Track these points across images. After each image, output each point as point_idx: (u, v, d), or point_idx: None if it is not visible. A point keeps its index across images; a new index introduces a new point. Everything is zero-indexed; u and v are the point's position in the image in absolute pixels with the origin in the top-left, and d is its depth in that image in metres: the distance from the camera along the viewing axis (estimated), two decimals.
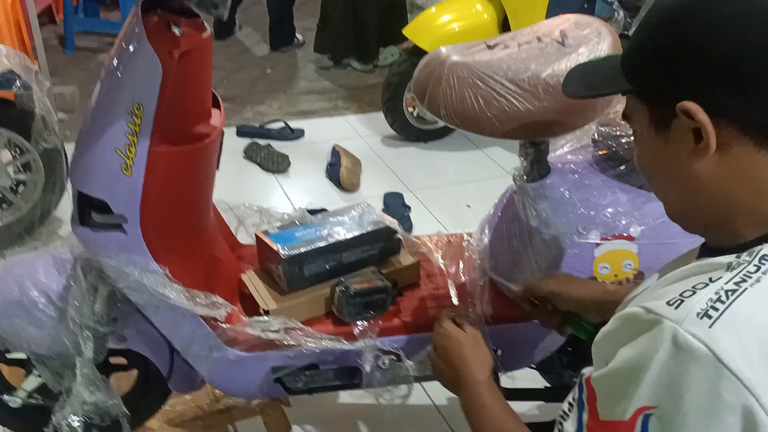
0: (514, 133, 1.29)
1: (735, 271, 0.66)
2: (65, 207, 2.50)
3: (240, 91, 3.98)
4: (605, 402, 0.69)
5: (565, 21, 1.36)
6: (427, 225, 2.68)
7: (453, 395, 1.11)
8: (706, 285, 0.66)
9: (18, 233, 2.41)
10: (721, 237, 0.74)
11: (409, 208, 2.82)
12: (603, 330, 0.74)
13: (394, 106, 3.26)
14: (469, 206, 2.83)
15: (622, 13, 2.76)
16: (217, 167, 1.41)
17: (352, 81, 4.20)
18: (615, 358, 0.69)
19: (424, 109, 1.36)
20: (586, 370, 0.75)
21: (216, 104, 1.40)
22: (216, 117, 1.38)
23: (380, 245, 1.52)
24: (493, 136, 1.29)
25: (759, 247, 0.69)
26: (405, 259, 1.56)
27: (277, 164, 3.12)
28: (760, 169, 0.69)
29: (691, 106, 0.69)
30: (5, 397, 1.54)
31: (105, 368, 1.48)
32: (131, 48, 1.18)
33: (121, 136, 1.19)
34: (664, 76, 0.72)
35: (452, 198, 2.94)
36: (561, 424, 0.77)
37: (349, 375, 1.45)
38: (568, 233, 1.34)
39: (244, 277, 1.52)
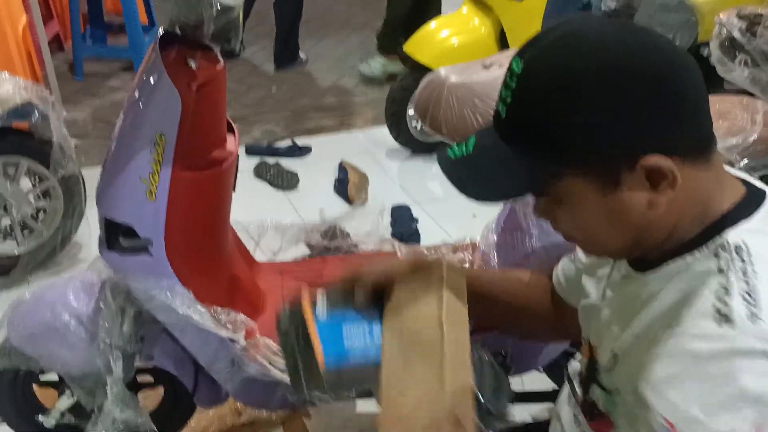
0: None
1: (733, 271, 0.72)
2: (83, 232, 2.58)
3: (248, 111, 4.05)
4: None
5: None
6: (435, 236, 2.73)
7: None
8: (727, 291, 0.71)
9: (40, 259, 2.48)
10: (648, 249, 0.80)
11: (416, 220, 2.88)
12: (662, 376, 0.73)
13: (398, 121, 3.33)
14: (475, 216, 2.89)
15: None
16: (234, 189, 1.49)
17: (356, 97, 4.27)
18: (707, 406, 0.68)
19: (426, 127, 1.43)
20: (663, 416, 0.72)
21: (230, 129, 1.48)
22: (231, 142, 1.45)
23: None
24: None
25: (720, 240, 0.75)
26: None
27: (286, 181, 3.19)
28: (698, 181, 0.75)
29: (654, 160, 0.71)
30: (40, 417, 1.60)
31: (133, 386, 1.55)
32: (152, 81, 1.25)
33: (146, 164, 1.26)
34: (604, 144, 0.72)
35: (459, 208, 2.99)
36: None
37: None
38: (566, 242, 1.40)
39: None
